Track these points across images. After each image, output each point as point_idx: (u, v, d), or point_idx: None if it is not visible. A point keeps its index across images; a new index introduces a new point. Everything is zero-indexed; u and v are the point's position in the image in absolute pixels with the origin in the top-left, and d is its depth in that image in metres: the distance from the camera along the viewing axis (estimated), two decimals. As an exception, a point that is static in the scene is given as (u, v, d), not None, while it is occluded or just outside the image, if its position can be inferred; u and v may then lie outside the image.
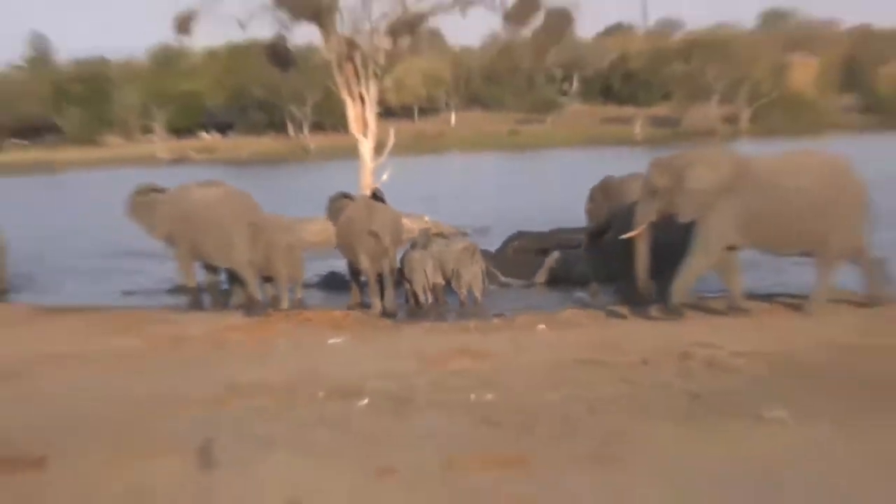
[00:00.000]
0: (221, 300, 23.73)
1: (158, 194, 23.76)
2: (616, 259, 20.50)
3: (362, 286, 22.15)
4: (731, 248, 18.45)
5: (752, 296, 19.12)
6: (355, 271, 22.42)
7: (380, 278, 21.42)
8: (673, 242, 18.74)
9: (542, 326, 18.38)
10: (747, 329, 16.33)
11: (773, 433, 9.83)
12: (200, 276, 23.79)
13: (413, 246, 21.70)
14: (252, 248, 22.40)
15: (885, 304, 17.69)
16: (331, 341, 17.86)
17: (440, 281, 21.60)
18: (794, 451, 9.21)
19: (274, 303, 22.46)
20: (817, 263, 18.26)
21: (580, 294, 21.80)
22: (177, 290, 24.30)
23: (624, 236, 19.82)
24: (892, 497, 8.12)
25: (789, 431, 9.86)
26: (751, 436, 9.76)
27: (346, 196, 23.10)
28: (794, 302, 18.67)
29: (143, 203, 23.66)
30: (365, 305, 21.61)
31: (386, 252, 21.19)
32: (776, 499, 8.02)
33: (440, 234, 24.90)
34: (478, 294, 21.49)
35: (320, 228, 26.45)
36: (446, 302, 21.63)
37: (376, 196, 23.17)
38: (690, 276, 18.29)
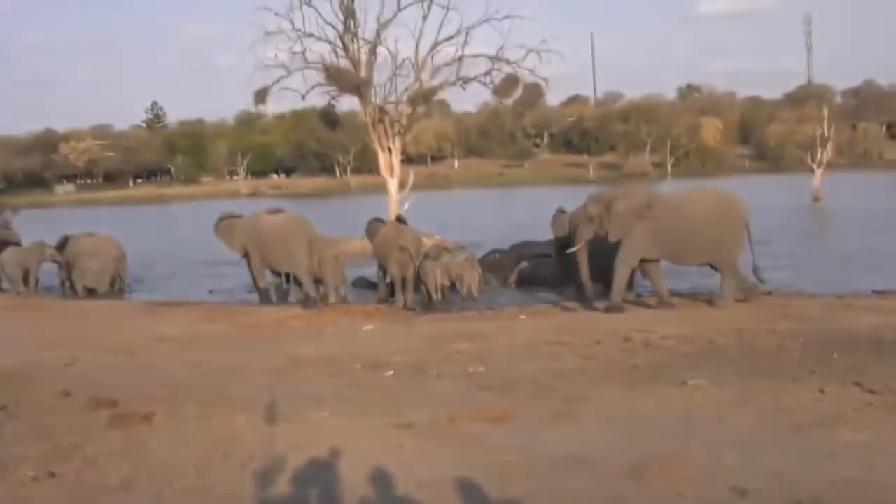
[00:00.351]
0: (283, 296, 23.89)
1: (235, 219, 24.21)
2: (574, 266, 20.50)
3: (389, 286, 22.14)
4: (653, 259, 18.57)
5: (676, 294, 19.09)
6: (385, 276, 22.47)
7: (403, 281, 21.46)
8: (610, 256, 18.90)
9: (522, 316, 18.34)
10: (673, 318, 16.30)
11: (692, 393, 9.76)
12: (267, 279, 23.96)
13: (427, 257, 21.72)
14: (308, 258, 22.63)
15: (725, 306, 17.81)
16: (365, 327, 17.80)
17: (447, 283, 21.66)
18: (708, 405, 9.18)
19: (323, 299, 22.53)
20: (720, 271, 18.38)
21: (542, 293, 21.61)
22: (251, 289, 24.33)
23: (568, 251, 20.15)
24: (774, 431, 8.07)
25: (705, 392, 9.78)
26: (676, 396, 9.67)
27: (379, 220, 23.27)
28: (707, 298, 18.65)
29: (225, 225, 24.08)
30: (390, 301, 21.60)
31: (411, 262, 21.30)
32: (692, 436, 7.94)
33: (446, 248, 24.88)
34: (475, 293, 21.48)
35: (358, 245, 26.41)
36: (451, 299, 21.63)
37: (400, 220, 23.46)
38: (620, 281, 18.38)
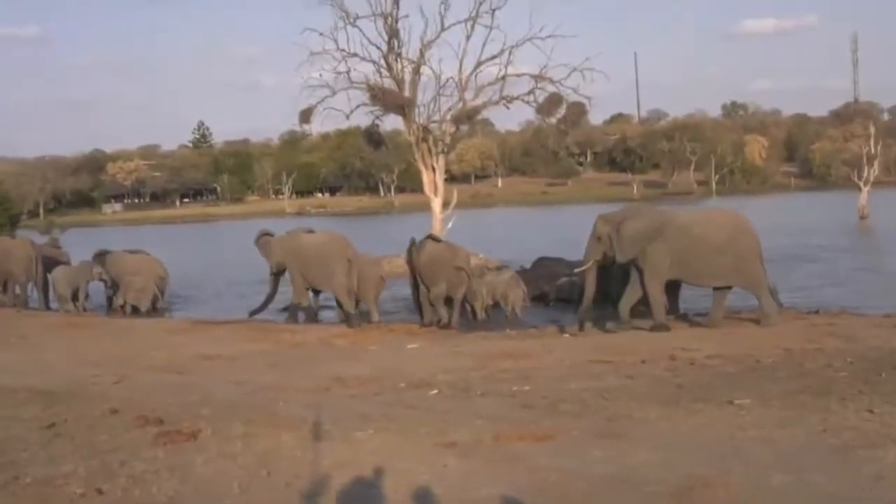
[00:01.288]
0: (311, 316, 24.33)
1: (269, 237, 24.62)
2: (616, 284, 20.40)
3: (431, 305, 22.10)
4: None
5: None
6: (416, 293, 22.54)
7: (450, 301, 21.45)
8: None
9: (566, 335, 18.31)
10: (719, 338, 16.20)
11: (738, 412, 9.64)
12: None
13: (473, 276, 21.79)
14: (348, 278, 22.74)
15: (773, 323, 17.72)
16: (409, 346, 17.81)
17: (490, 302, 21.71)
18: (754, 425, 9.03)
19: (365, 317, 22.62)
20: (752, 292, 18.48)
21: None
22: (288, 307, 24.53)
23: (576, 270, 20.50)
24: (820, 452, 7.94)
25: (750, 411, 9.65)
26: (722, 415, 9.56)
27: (433, 238, 23.33)
28: (752, 317, 18.52)
29: (261, 243, 24.53)
30: (432, 321, 21.55)
31: (464, 281, 21.28)
32: (738, 456, 7.85)
33: (488, 267, 24.95)
34: (518, 312, 21.49)
35: (401, 264, 26.46)
36: (494, 318, 21.69)
37: (434, 239, 23.41)
38: (656, 301, 18.45)
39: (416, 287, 23.09)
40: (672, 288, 19.81)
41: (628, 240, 18.48)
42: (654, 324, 18.35)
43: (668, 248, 18.27)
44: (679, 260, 18.30)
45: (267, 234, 24.84)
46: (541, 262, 26.87)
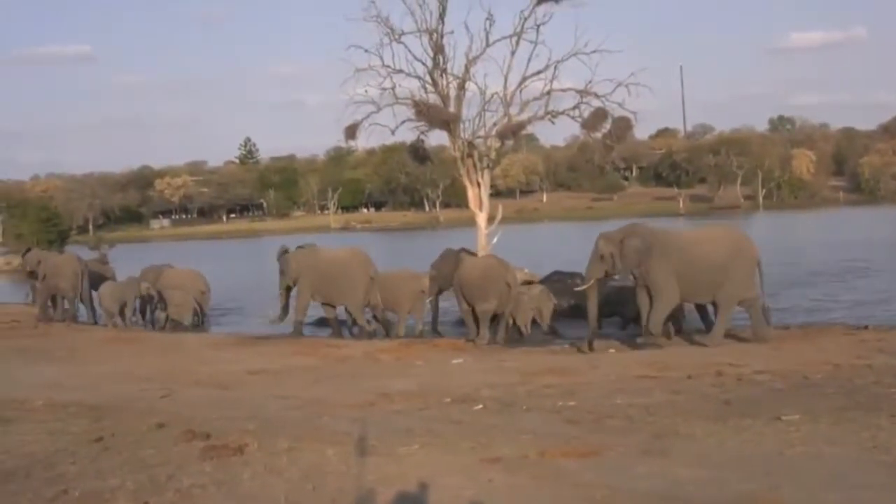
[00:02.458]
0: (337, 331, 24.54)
1: (286, 253, 24.56)
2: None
3: (474, 320, 22.13)
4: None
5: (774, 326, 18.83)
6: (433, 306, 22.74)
7: (495, 315, 21.41)
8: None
9: (612, 350, 18.25)
10: (767, 353, 16.01)
11: (786, 429, 9.53)
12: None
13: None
14: (369, 295, 23.55)
15: (765, 341, 17.75)
16: (454, 361, 17.80)
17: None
18: (802, 441, 8.92)
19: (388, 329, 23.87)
20: (718, 307, 18.50)
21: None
22: (319, 321, 25.38)
23: (578, 289, 20.30)
24: (870, 469, 7.84)
25: (798, 427, 9.54)
26: (770, 432, 9.46)
27: (466, 251, 23.38)
28: (802, 332, 18.37)
29: (282, 259, 24.50)
30: (477, 339, 21.51)
31: (511, 297, 21.26)
32: (787, 473, 7.77)
33: (530, 282, 24.99)
34: (545, 325, 21.66)
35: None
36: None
37: (468, 252, 23.62)
38: (658, 318, 18.43)
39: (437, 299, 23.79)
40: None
41: (629, 258, 18.53)
42: (649, 340, 18.47)
43: (669, 267, 18.29)
44: (681, 278, 18.32)
45: (286, 251, 24.89)
46: (555, 276, 26.81)
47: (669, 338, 19.20)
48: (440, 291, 23.60)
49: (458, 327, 23.55)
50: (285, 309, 24.75)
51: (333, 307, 24.56)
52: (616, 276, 19.59)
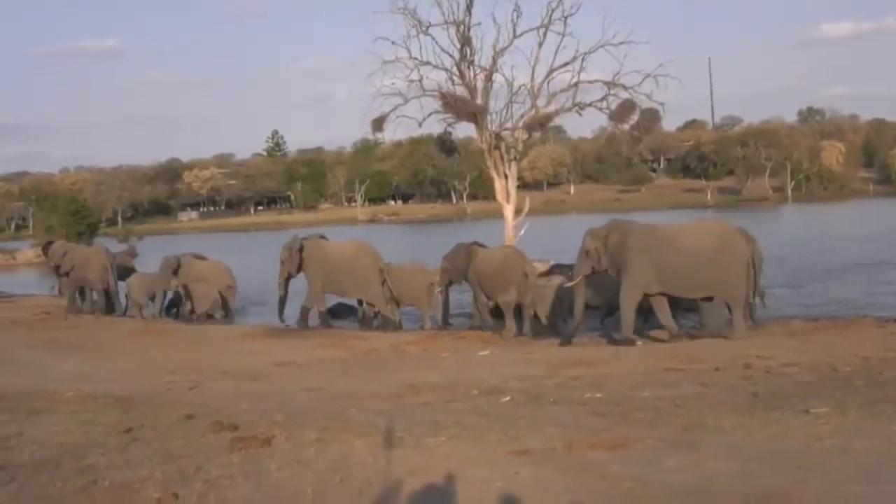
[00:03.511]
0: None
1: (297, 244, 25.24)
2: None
3: (489, 312, 22.32)
4: (655, 293, 18.73)
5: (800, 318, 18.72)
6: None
7: (518, 307, 21.43)
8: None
9: (639, 342, 18.21)
10: (796, 346, 15.94)
11: (814, 421, 9.46)
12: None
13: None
14: (380, 286, 24.10)
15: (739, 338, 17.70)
16: (481, 353, 17.83)
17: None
18: (832, 434, 8.84)
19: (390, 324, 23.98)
20: (730, 306, 18.49)
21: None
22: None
23: (566, 285, 20.62)
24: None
25: (827, 420, 9.47)
26: (798, 425, 9.38)
27: (477, 244, 23.57)
28: (831, 324, 18.26)
29: (284, 249, 25.51)
30: (500, 327, 21.62)
31: (529, 287, 21.31)
32: (815, 466, 7.72)
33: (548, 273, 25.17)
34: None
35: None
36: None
37: (479, 244, 23.76)
38: (628, 316, 18.58)
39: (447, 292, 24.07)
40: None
41: (614, 253, 18.61)
42: (621, 338, 18.56)
43: (651, 262, 18.29)
44: (664, 272, 18.31)
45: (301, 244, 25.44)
46: (556, 268, 26.80)
47: (673, 333, 19.14)
48: (451, 284, 23.66)
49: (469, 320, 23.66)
50: (283, 301, 25.23)
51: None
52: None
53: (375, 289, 23.76)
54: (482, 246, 23.47)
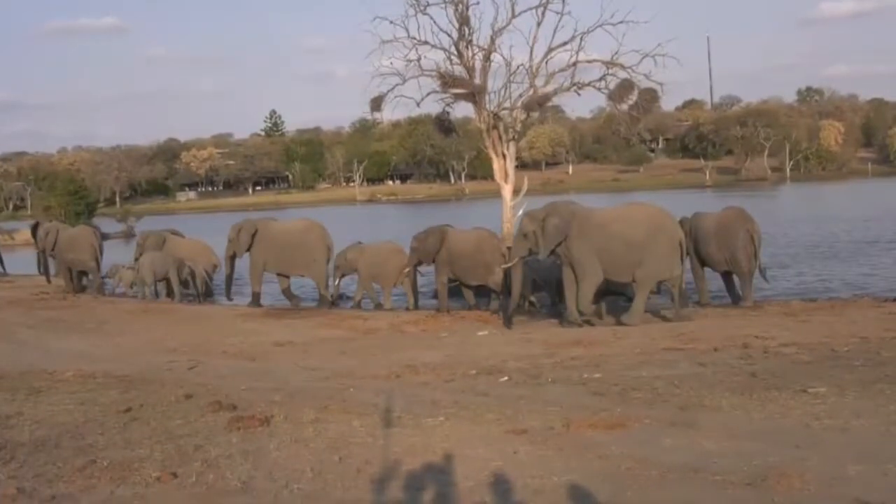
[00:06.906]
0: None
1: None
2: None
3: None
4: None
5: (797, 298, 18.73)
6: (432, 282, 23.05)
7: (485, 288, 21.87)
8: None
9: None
10: (794, 326, 15.95)
11: (813, 401, 9.48)
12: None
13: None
14: (326, 265, 24.56)
15: (685, 320, 18.03)
16: (479, 333, 17.83)
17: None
18: (829, 414, 8.85)
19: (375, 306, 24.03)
20: (636, 286, 18.69)
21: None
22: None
23: (503, 266, 20.60)
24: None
25: (825, 400, 9.49)
26: (796, 404, 9.39)
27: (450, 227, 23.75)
28: (830, 304, 18.27)
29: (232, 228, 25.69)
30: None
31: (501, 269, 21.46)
32: (813, 446, 7.73)
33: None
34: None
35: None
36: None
37: (449, 227, 23.98)
38: (585, 297, 18.59)
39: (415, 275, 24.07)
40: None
41: (550, 236, 18.55)
42: (567, 320, 18.68)
43: (590, 246, 18.31)
44: (598, 256, 18.37)
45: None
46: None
47: (601, 317, 19.27)
48: (419, 264, 23.66)
49: (458, 300, 23.52)
50: (229, 279, 25.82)
51: (287, 278, 25.39)
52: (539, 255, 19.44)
53: (321, 267, 24.08)
54: (451, 228, 23.52)
